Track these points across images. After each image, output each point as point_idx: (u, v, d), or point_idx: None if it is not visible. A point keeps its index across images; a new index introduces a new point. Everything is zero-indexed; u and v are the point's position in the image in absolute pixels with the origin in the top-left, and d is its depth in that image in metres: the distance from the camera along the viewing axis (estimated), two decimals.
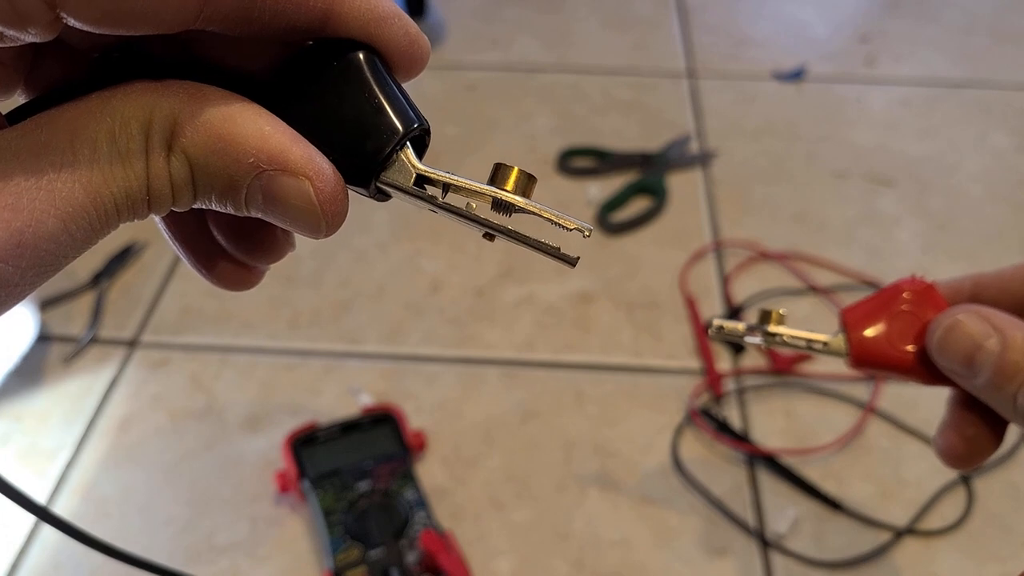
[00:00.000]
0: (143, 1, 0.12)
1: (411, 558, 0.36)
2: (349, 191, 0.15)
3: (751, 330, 0.25)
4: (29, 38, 0.12)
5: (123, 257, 0.54)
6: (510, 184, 0.15)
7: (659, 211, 0.58)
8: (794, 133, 0.66)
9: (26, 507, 0.17)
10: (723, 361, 0.48)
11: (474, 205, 0.15)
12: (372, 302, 0.51)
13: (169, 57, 0.15)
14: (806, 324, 0.50)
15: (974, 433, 0.24)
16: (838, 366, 0.47)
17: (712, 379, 0.46)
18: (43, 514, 0.18)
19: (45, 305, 0.50)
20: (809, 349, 0.25)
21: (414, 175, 0.15)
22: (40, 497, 0.41)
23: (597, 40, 0.77)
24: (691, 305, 0.51)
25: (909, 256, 0.55)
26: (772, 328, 0.25)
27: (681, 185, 0.60)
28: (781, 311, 0.25)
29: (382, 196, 0.15)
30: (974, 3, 0.83)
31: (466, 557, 0.37)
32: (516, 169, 0.15)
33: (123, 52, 0.15)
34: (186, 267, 0.54)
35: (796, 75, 0.72)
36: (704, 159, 0.62)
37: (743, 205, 0.59)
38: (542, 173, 0.61)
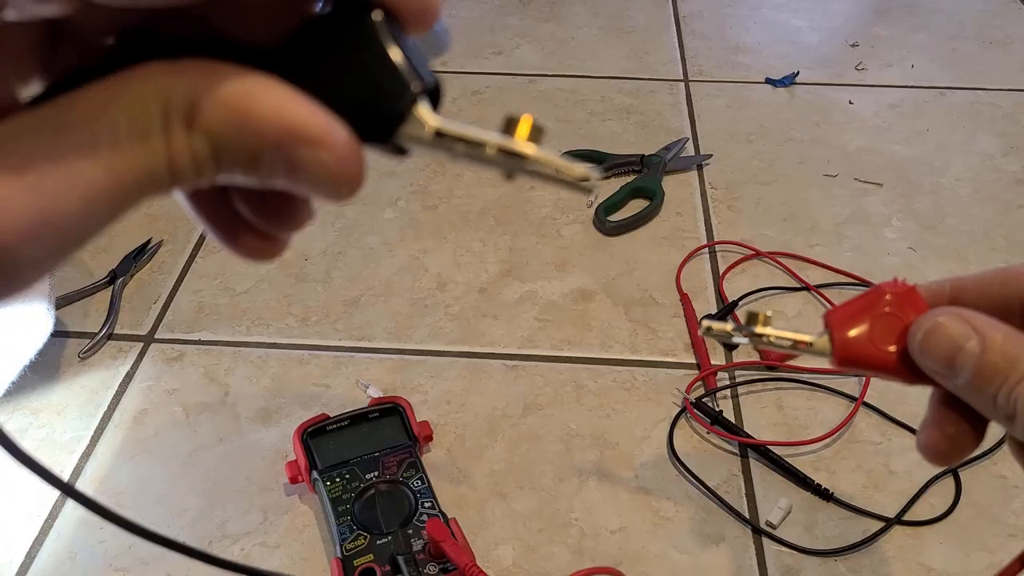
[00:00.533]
0: None
1: (417, 546, 0.37)
2: (368, 152, 0.16)
3: (739, 331, 0.26)
4: (48, 12, 0.12)
5: (139, 255, 0.54)
6: (520, 134, 0.15)
7: (655, 212, 0.59)
8: (786, 137, 0.67)
9: (53, 483, 0.18)
10: (717, 356, 0.49)
11: (492, 147, 0.15)
12: (380, 299, 0.53)
13: (184, 36, 0.15)
14: (797, 319, 0.51)
15: (955, 431, 0.24)
16: (827, 361, 0.49)
17: (706, 373, 0.47)
18: (70, 491, 0.18)
19: (62, 302, 0.51)
20: (795, 349, 0.26)
21: (430, 128, 0.15)
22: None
23: (596, 48, 0.78)
24: (686, 302, 0.52)
25: (897, 255, 0.56)
26: (759, 329, 0.25)
27: (677, 187, 0.61)
28: (768, 313, 0.25)
29: (401, 152, 0.16)
30: (961, 10, 0.84)
31: (470, 544, 0.38)
32: (525, 119, 0.15)
33: (137, 35, 0.15)
34: (201, 265, 0.56)
35: (788, 80, 0.73)
36: (699, 162, 0.64)
37: (736, 206, 0.60)
38: None
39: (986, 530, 0.40)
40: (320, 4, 0.15)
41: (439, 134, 0.15)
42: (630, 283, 0.54)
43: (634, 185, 0.60)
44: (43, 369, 0.47)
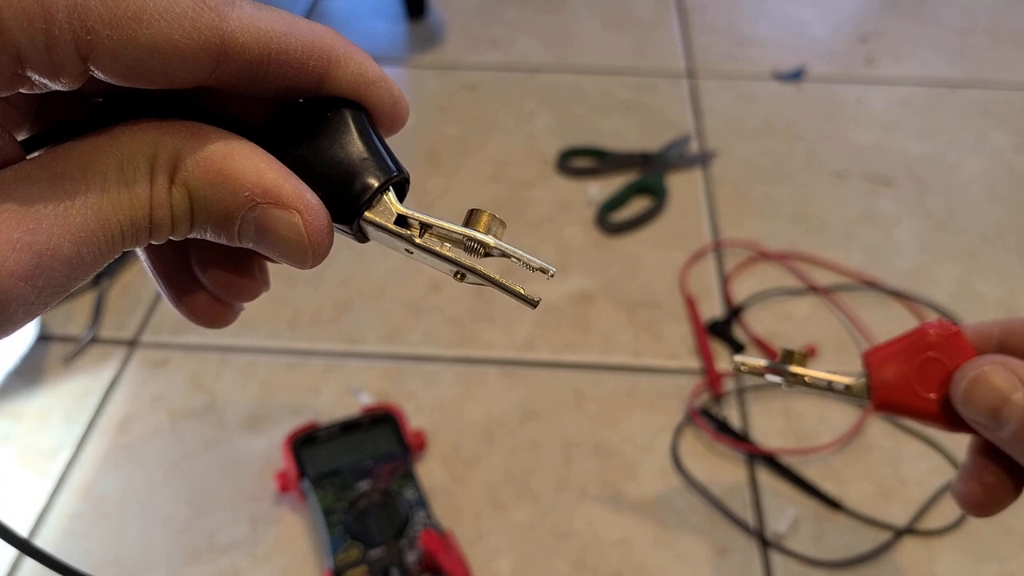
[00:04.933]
0: (163, 61, 0.13)
1: (411, 558, 0.36)
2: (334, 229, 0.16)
3: (772, 369, 0.25)
4: (58, 87, 0.13)
5: (124, 257, 0.54)
6: (482, 226, 0.16)
7: (659, 211, 0.58)
8: (794, 133, 0.66)
9: (8, 540, 0.17)
10: (722, 361, 0.48)
11: (448, 247, 0.16)
12: (372, 302, 0.51)
13: (171, 101, 0.16)
14: (806, 323, 0.50)
15: (994, 481, 0.24)
16: (837, 365, 0.47)
17: (712, 379, 0.46)
18: (25, 547, 0.17)
19: None
20: (830, 390, 0.25)
21: (395, 215, 0.16)
22: (40, 497, 0.41)
23: (597, 40, 0.77)
24: (691, 305, 0.51)
25: (909, 256, 0.55)
26: (794, 369, 0.25)
27: (681, 185, 0.60)
28: (804, 351, 0.25)
29: (362, 237, 0.17)
30: (973, 3, 0.83)
31: (466, 557, 0.37)
32: (488, 213, 0.16)
33: (124, 97, 0.16)
34: None
35: (796, 75, 0.72)
36: (704, 159, 0.62)
37: (743, 205, 0.59)
38: (542, 173, 0.61)
39: (998, 540, 0.40)
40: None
41: (404, 222, 0.16)
42: (632, 285, 0.52)
43: (636, 183, 0.59)
44: (27, 374, 0.46)
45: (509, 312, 0.51)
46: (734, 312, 0.50)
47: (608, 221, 0.56)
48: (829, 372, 0.25)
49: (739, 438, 0.43)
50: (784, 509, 0.40)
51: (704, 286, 0.52)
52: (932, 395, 0.24)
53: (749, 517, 0.40)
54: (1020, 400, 0.22)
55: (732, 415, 0.45)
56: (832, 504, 0.40)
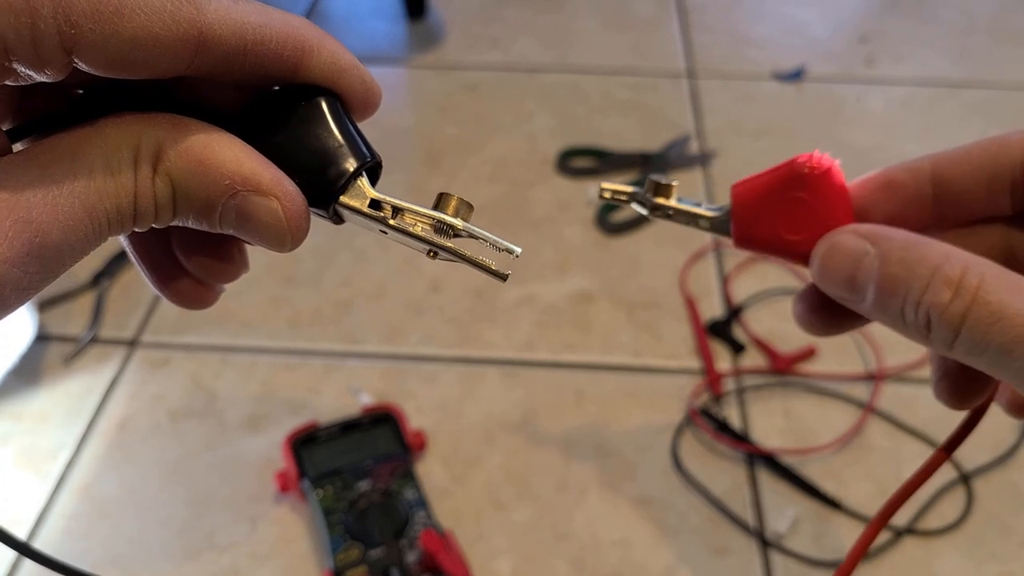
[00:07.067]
0: (144, 53, 0.14)
1: (411, 558, 0.36)
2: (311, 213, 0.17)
3: (636, 198, 0.23)
4: (43, 78, 0.14)
5: (123, 257, 0.54)
6: (451, 209, 0.17)
7: None
8: (794, 133, 0.66)
9: (7, 543, 0.17)
10: (723, 361, 0.48)
11: (420, 227, 0.17)
12: (372, 302, 0.51)
13: (150, 92, 0.17)
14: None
15: (832, 312, 0.22)
16: (838, 366, 0.48)
17: (712, 379, 0.46)
18: (24, 549, 0.17)
19: (45, 305, 0.50)
20: (696, 225, 0.23)
21: (369, 199, 0.17)
22: (40, 497, 0.41)
23: (597, 40, 0.77)
24: (691, 305, 0.51)
25: None
26: (659, 200, 0.23)
27: (681, 185, 0.60)
28: (674, 183, 0.23)
29: (338, 219, 0.18)
30: (973, 3, 0.83)
31: (466, 557, 0.37)
32: (456, 197, 0.17)
33: (106, 89, 0.17)
34: None
35: (796, 75, 0.72)
36: (704, 159, 0.62)
37: None
38: (542, 173, 0.61)
39: (998, 540, 0.40)
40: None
41: (375, 203, 0.17)
42: (632, 285, 0.52)
43: (637, 183, 0.59)
44: (26, 374, 0.46)
45: (509, 312, 0.51)
46: (734, 312, 0.50)
47: (608, 221, 0.56)
48: (695, 206, 0.23)
49: (739, 438, 0.43)
50: (784, 509, 0.40)
51: (704, 286, 0.52)
52: (795, 237, 0.22)
53: (749, 517, 0.40)
54: (871, 263, 0.19)
55: (732, 415, 0.45)
56: (832, 504, 0.40)
